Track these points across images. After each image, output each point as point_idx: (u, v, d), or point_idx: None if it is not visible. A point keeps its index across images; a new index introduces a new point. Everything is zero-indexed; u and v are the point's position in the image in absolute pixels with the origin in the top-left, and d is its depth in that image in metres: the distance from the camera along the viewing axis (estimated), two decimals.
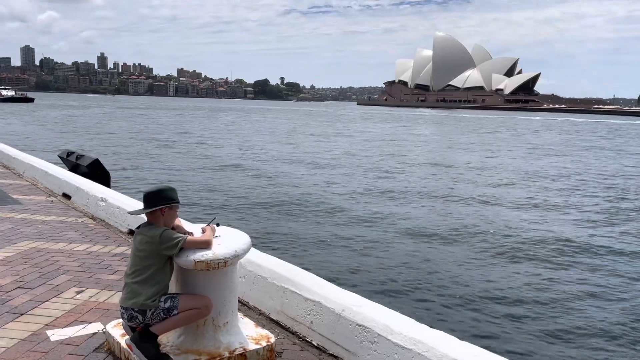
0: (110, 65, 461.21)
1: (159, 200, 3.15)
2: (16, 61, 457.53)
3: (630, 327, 7.45)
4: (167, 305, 3.06)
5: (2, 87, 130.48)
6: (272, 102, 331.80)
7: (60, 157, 13.99)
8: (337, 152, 31.71)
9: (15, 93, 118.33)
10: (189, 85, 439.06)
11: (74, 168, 12.34)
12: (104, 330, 3.64)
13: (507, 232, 12.76)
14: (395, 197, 17.13)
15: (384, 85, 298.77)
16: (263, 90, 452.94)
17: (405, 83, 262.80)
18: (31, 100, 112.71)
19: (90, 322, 3.91)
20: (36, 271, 5.04)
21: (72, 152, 13.34)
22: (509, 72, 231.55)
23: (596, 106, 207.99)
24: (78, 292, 4.54)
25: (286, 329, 3.90)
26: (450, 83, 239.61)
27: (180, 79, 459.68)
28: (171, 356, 3.11)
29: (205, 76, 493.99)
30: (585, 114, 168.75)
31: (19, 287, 4.60)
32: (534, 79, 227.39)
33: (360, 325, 3.33)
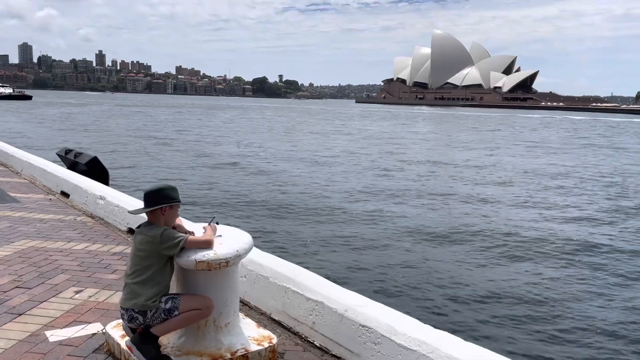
0: (108, 62, 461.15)
1: (160, 199, 3.10)
2: (14, 58, 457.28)
3: (632, 327, 7.43)
4: (168, 306, 3.01)
5: (0, 84, 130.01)
6: (270, 99, 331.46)
7: (58, 154, 13.91)
8: (336, 150, 31.67)
9: (13, 90, 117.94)
10: (187, 83, 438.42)
11: (73, 166, 12.27)
12: (104, 331, 3.59)
13: (507, 230, 12.74)
14: (394, 195, 17.10)
15: (382, 83, 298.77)
16: (261, 88, 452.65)
17: (403, 81, 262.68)
18: (29, 97, 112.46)
19: (90, 323, 3.87)
20: (34, 270, 4.99)
21: (71, 150, 13.27)
22: (507, 70, 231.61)
23: (594, 104, 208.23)
24: (77, 292, 4.49)
25: (288, 329, 3.85)
26: (449, 81, 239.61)
27: (179, 76, 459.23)
28: (172, 357, 3.07)
29: (203, 74, 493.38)
30: (583, 111, 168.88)
31: (17, 287, 4.55)
32: (532, 77, 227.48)
33: (363, 326, 3.29)
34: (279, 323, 3.95)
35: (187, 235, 3.13)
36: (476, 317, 7.53)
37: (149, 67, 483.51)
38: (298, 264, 4.33)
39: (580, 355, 6.60)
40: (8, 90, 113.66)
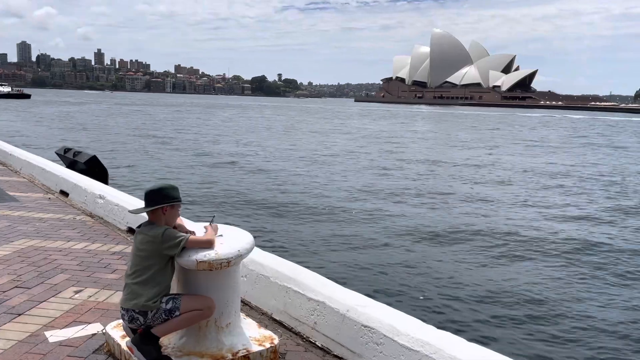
0: (107, 61, 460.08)
1: (161, 199, 3.08)
2: (12, 57, 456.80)
3: (632, 327, 7.42)
4: (169, 306, 2.99)
5: None
6: (269, 98, 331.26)
7: (57, 153, 13.88)
8: (336, 149, 31.63)
9: (12, 89, 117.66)
10: (186, 82, 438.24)
11: (72, 165, 12.24)
12: (104, 331, 3.57)
13: (507, 229, 12.72)
14: (394, 194, 17.08)
15: (381, 82, 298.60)
16: (260, 87, 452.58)
17: (402, 80, 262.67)
18: (28, 96, 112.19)
19: (90, 323, 3.84)
20: (34, 270, 4.97)
21: (70, 149, 13.24)
22: (506, 69, 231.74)
23: (593, 103, 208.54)
24: (77, 292, 4.46)
25: (289, 329, 3.83)
26: (448, 80, 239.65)
27: (178, 75, 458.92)
28: (173, 358, 3.05)
29: (202, 72, 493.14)
30: (582, 110, 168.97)
31: (16, 287, 4.53)
32: (531, 76, 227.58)
33: (365, 326, 3.27)
34: (280, 323, 3.93)
35: (188, 235, 3.11)
36: (476, 316, 7.51)
37: (147, 66, 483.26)
38: (298, 263, 4.31)
39: (581, 355, 6.59)
40: (7, 89, 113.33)
